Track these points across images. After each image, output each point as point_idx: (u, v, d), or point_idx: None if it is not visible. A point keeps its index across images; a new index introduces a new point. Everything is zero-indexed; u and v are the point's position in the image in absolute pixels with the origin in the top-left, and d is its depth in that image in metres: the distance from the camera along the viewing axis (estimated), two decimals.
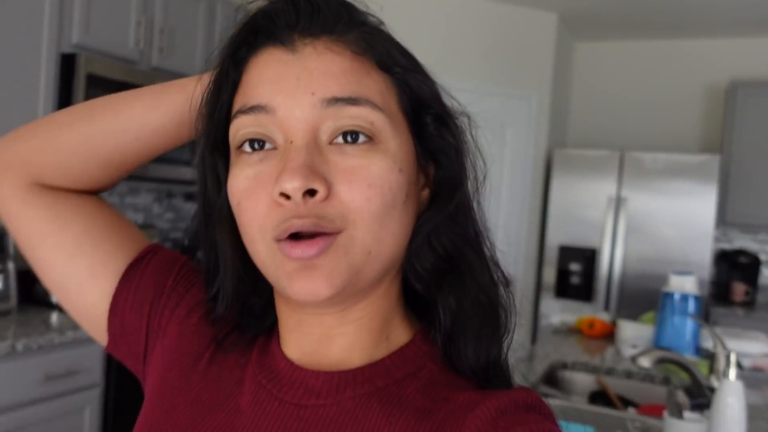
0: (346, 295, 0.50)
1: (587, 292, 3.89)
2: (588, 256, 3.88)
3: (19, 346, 1.95)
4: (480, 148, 0.56)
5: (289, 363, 0.54)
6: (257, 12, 0.52)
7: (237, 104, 0.51)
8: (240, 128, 0.50)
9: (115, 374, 2.30)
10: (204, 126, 0.54)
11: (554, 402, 1.85)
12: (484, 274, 0.54)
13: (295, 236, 0.47)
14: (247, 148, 0.50)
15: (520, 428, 0.45)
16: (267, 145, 0.49)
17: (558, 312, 3.79)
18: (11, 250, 2.49)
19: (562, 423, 1.54)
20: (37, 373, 2.02)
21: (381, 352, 0.54)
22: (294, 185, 0.45)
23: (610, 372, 2.14)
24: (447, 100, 0.55)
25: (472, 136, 0.55)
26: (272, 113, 0.48)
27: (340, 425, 0.50)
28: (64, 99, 2.38)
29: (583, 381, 2.18)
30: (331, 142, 0.48)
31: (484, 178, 0.55)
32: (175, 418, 0.55)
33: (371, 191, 0.47)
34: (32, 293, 2.47)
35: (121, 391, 2.32)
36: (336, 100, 0.48)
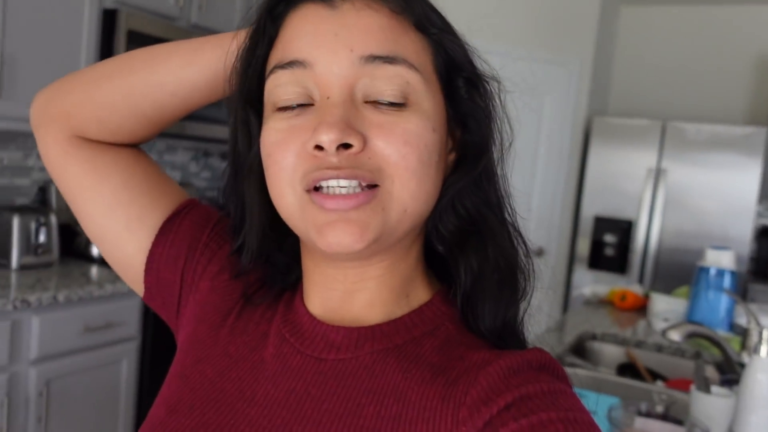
0: (374, 250, 0.51)
1: (621, 264, 3.84)
2: (624, 228, 3.82)
3: (61, 297, 2.01)
4: (507, 113, 0.56)
5: (312, 318, 0.55)
6: None
7: (273, 59, 0.51)
8: (277, 84, 0.50)
9: (152, 328, 2.37)
10: (238, 80, 0.54)
11: (581, 372, 1.85)
12: (504, 238, 0.55)
13: (323, 191, 0.48)
14: (283, 102, 0.50)
15: (530, 386, 0.46)
16: (304, 101, 0.50)
17: (590, 283, 3.76)
18: (54, 204, 2.55)
19: (586, 392, 1.54)
20: (77, 324, 2.09)
21: (401, 309, 0.55)
22: (330, 137, 0.46)
23: (639, 345, 2.13)
24: (479, 64, 0.55)
25: (500, 101, 0.55)
26: (310, 68, 0.48)
27: (357, 378, 0.51)
28: (105, 55, 2.41)
29: (612, 353, 2.17)
30: (367, 100, 0.49)
31: (510, 144, 0.56)
32: (203, 370, 0.57)
33: (407, 148, 0.48)
34: (73, 246, 2.54)
35: (157, 345, 2.39)
36: (374, 58, 0.48)
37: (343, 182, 0.47)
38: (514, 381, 0.46)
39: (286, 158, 0.49)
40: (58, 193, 2.57)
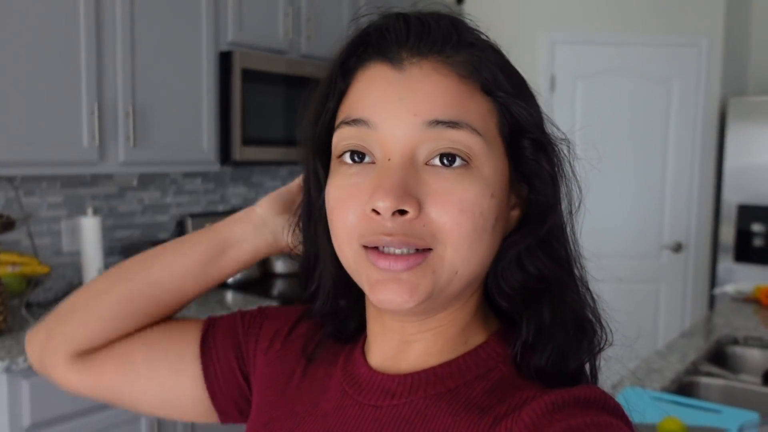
0: (426, 308, 0.53)
1: None
2: None
3: None
4: (577, 175, 0.56)
5: (370, 369, 0.57)
6: (370, 25, 0.54)
7: (342, 114, 0.53)
8: (342, 138, 0.52)
9: None
10: (310, 130, 0.57)
11: (716, 382, 1.72)
12: (573, 293, 0.55)
13: (376, 248, 0.50)
14: (347, 158, 0.52)
15: (573, 420, 0.45)
16: (366, 159, 0.51)
17: (739, 277, 3.47)
18: None
19: (718, 407, 1.43)
20: None
21: (457, 352, 0.56)
22: (386, 204, 0.47)
23: None
24: (548, 127, 0.55)
25: (570, 163, 0.56)
26: (374, 129, 0.50)
27: (409, 423, 0.52)
28: (225, 95, 2.58)
29: (756, 359, 1.99)
30: (427, 163, 0.50)
31: (579, 204, 0.56)
32: (273, 430, 0.61)
33: (462, 216, 0.49)
34: None
35: None
36: (437, 123, 0.49)
37: (396, 250, 0.49)
38: (558, 416, 0.46)
39: (347, 216, 0.51)
40: (194, 225, 2.79)
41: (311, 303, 0.63)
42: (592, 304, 0.56)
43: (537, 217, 0.54)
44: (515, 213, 0.55)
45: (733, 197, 3.62)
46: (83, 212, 2.44)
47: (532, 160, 0.53)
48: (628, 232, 3.67)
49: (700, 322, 2.27)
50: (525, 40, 3.66)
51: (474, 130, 0.49)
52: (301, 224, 0.62)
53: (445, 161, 0.49)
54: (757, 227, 3.54)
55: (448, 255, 0.49)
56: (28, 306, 2.21)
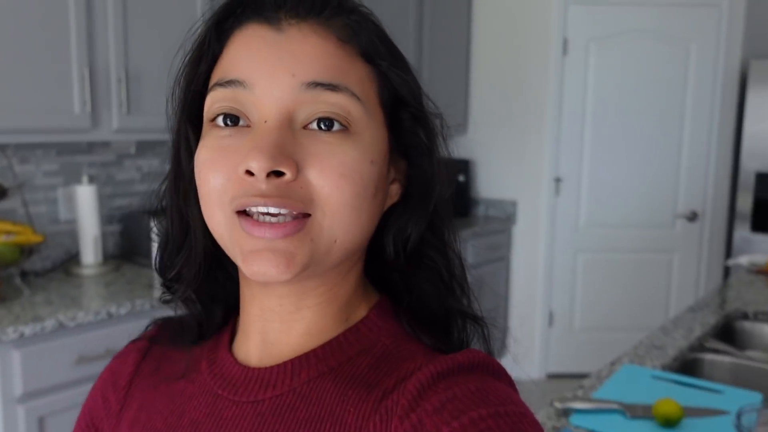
0: (303, 279, 0.51)
1: None
2: None
3: None
4: (450, 152, 0.56)
5: (242, 366, 0.55)
6: None
7: (215, 77, 0.51)
8: (215, 101, 0.50)
9: None
10: (180, 95, 0.55)
11: (721, 359, 1.66)
12: (448, 259, 0.57)
13: (250, 216, 0.48)
14: (219, 122, 0.50)
15: (457, 387, 0.45)
16: (241, 122, 0.49)
17: (756, 247, 3.38)
18: None
19: (721, 387, 1.37)
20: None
21: (338, 331, 0.54)
22: (261, 164, 0.45)
23: None
24: (425, 101, 0.54)
25: (443, 138, 0.55)
26: (250, 90, 0.48)
27: (293, 410, 0.50)
28: None
29: (766, 334, 1.92)
30: (305, 127, 0.48)
31: (448, 181, 0.56)
32: None
33: (342, 180, 0.47)
34: None
35: None
36: (316, 85, 0.47)
37: (272, 209, 0.47)
38: (441, 384, 0.46)
39: (216, 178, 0.48)
40: None
41: (168, 295, 0.60)
42: (463, 288, 0.57)
43: (420, 193, 0.54)
44: (395, 187, 0.55)
45: (751, 164, 3.50)
46: (79, 180, 2.40)
47: (411, 132, 0.53)
48: (641, 200, 3.57)
49: (709, 295, 2.19)
50: (536, 1, 3.53)
51: (353, 95, 0.48)
52: (164, 203, 0.58)
53: (323, 125, 0.48)
54: None
55: (327, 222, 0.48)
56: (24, 275, 2.19)
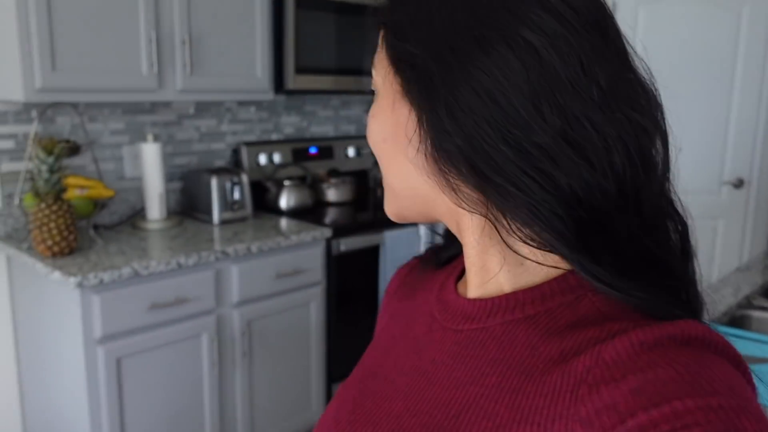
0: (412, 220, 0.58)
1: None
2: None
3: (254, 248, 2.26)
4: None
5: (457, 295, 0.58)
6: None
7: None
8: None
9: (335, 273, 2.57)
10: None
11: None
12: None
13: None
14: None
15: (661, 367, 0.39)
16: None
17: None
18: (246, 164, 2.83)
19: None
20: (270, 271, 2.34)
21: (538, 277, 0.51)
22: None
23: None
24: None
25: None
26: None
27: (485, 348, 0.52)
28: (277, 22, 2.58)
29: None
30: None
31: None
32: (376, 349, 0.67)
33: None
34: (264, 201, 2.81)
35: (341, 288, 2.60)
36: None
37: None
38: (645, 357, 0.41)
39: None
40: (249, 153, 2.85)
41: None
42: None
43: None
44: None
45: None
46: (143, 139, 2.51)
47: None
48: (687, 166, 3.53)
49: (756, 257, 2.22)
50: None
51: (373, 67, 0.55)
52: None
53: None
54: None
55: None
56: (95, 227, 2.32)
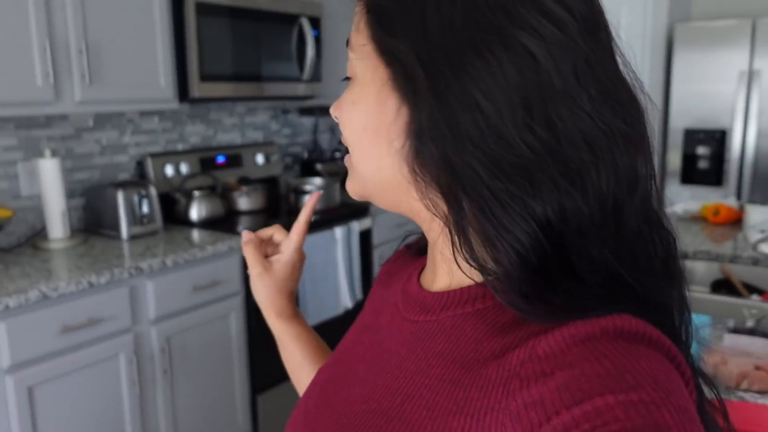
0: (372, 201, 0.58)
1: (717, 177, 3.68)
2: (717, 138, 3.65)
3: (169, 261, 2.19)
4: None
5: (419, 287, 0.59)
6: None
7: None
8: None
9: None
10: None
11: None
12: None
13: None
14: None
15: (588, 363, 0.40)
16: None
17: (686, 199, 3.64)
18: (152, 176, 2.74)
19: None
20: (186, 284, 2.27)
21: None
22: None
23: (735, 260, 2.08)
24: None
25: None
26: None
27: (434, 340, 0.53)
28: (178, 29, 2.51)
29: (705, 270, 2.13)
30: None
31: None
32: (350, 335, 0.69)
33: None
34: (173, 213, 2.73)
35: None
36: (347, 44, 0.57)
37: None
38: (575, 351, 0.41)
39: None
40: (154, 165, 2.75)
41: None
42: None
43: None
44: None
45: (679, 122, 3.76)
46: (40, 155, 2.38)
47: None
48: None
49: None
50: None
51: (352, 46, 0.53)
52: None
53: None
54: (702, 150, 3.70)
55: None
56: None
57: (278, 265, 0.82)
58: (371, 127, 0.52)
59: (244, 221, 2.78)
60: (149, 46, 2.42)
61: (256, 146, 3.25)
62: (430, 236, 0.56)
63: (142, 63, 2.40)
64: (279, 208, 3.09)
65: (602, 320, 0.42)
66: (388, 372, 0.55)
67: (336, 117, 0.56)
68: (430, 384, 0.50)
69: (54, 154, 2.38)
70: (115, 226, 2.44)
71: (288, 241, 0.82)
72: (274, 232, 0.84)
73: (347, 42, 0.54)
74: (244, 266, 2.49)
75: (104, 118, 2.65)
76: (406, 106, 0.48)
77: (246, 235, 0.82)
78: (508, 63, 0.43)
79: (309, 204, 0.79)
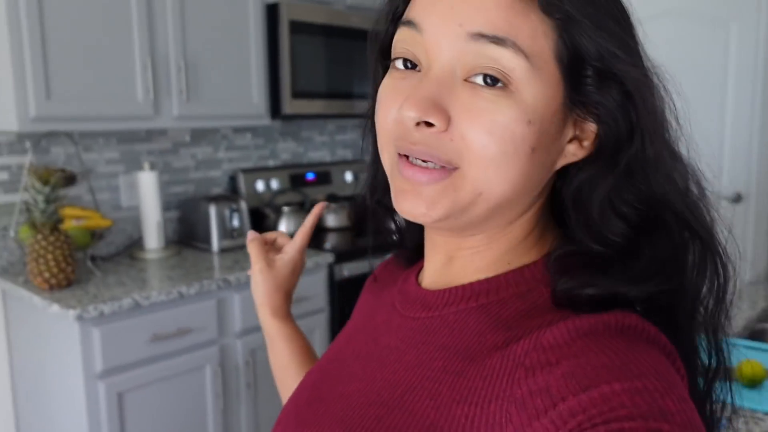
0: (451, 225, 0.52)
1: None
2: None
3: None
4: (672, 107, 0.55)
5: (417, 286, 0.60)
6: None
7: (405, 14, 0.52)
8: (398, 39, 0.52)
9: (338, 299, 2.52)
10: (378, 32, 0.58)
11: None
12: (675, 233, 0.51)
13: (407, 158, 0.51)
14: (399, 64, 0.52)
15: (596, 351, 0.42)
16: (417, 67, 0.51)
17: None
18: (243, 191, 2.79)
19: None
20: None
21: (498, 272, 0.55)
22: (411, 114, 0.47)
23: None
24: (626, 55, 0.49)
25: (665, 90, 0.54)
26: (421, 33, 0.49)
27: (436, 334, 0.54)
28: (273, 48, 2.56)
29: None
30: (467, 79, 0.48)
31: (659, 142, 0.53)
32: (342, 337, 0.70)
33: (489, 138, 0.47)
34: (262, 227, 2.77)
35: (345, 314, 2.54)
36: (480, 36, 0.46)
37: (419, 157, 0.49)
38: (579, 343, 0.43)
39: (386, 117, 0.51)
40: (246, 180, 2.81)
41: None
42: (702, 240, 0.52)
43: (607, 152, 0.50)
44: (573, 147, 0.52)
45: None
46: (139, 167, 2.47)
47: (594, 90, 0.49)
48: None
49: (764, 270, 2.20)
50: None
51: (519, 49, 0.46)
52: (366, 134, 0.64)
53: (488, 80, 0.47)
54: None
55: (472, 175, 0.48)
56: (92, 259, 2.26)
57: (280, 263, 0.85)
58: (542, 146, 0.49)
59: (330, 238, 2.78)
60: (244, 64, 2.48)
61: (345, 164, 3.26)
62: (473, 237, 0.55)
63: (236, 80, 2.46)
64: (365, 226, 3.07)
65: (605, 315, 0.45)
66: (387, 366, 0.56)
67: (469, 129, 0.48)
68: (433, 375, 0.50)
69: (152, 167, 2.47)
70: (207, 239, 2.49)
71: (292, 242, 0.85)
72: (278, 236, 0.89)
73: (500, 40, 0.47)
74: (330, 282, 2.48)
75: (200, 134, 2.73)
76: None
77: (251, 234, 0.86)
78: (657, 88, 0.54)
79: (315, 212, 0.84)
